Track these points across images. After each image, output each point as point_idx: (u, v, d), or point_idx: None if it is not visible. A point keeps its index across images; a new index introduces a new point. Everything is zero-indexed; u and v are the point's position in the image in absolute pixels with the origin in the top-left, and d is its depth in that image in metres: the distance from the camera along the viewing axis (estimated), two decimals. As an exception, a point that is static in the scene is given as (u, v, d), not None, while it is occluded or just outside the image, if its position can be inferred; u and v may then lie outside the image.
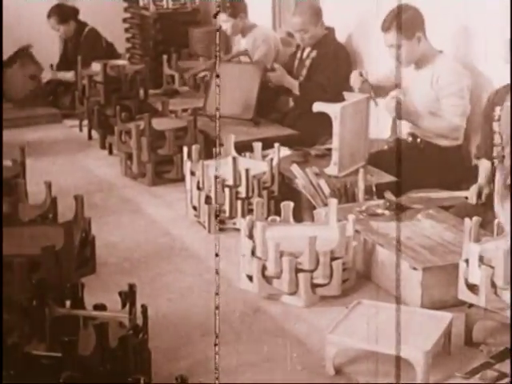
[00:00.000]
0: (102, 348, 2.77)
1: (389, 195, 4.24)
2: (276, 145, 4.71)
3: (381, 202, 4.23)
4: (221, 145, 4.97)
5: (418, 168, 4.54)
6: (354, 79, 4.89)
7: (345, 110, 4.54)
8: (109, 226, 4.62)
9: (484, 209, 4.01)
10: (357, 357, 3.24)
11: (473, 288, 3.29)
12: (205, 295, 3.73)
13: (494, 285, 3.23)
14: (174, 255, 4.29)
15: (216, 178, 4.47)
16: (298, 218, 4.22)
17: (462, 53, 4.81)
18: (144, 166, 5.36)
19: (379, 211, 4.15)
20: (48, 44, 7.33)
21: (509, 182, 3.72)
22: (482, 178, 4.21)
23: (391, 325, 3.18)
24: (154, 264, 4.19)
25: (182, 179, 4.93)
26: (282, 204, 4.09)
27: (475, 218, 3.38)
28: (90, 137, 6.45)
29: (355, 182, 4.40)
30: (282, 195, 4.53)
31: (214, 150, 4.84)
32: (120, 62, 6.65)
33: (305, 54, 5.77)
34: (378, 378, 3.12)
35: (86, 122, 6.48)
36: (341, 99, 4.70)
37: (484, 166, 4.24)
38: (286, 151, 4.94)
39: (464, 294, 3.34)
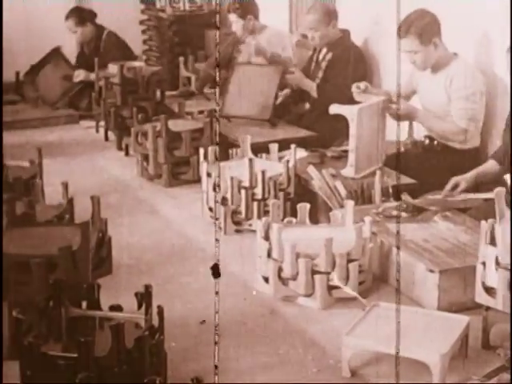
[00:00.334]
0: (118, 349, 2.78)
1: (406, 197, 4.23)
2: (292, 146, 4.71)
3: (397, 203, 4.22)
4: (237, 146, 4.98)
5: (434, 170, 4.53)
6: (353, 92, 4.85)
7: (362, 112, 4.53)
8: (125, 227, 4.63)
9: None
10: (373, 359, 3.24)
11: (490, 291, 3.27)
12: (220, 296, 3.72)
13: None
14: (190, 256, 4.29)
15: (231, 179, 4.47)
16: (314, 219, 4.21)
17: (483, 58, 4.78)
18: (160, 167, 5.37)
19: (395, 213, 4.13)
20: (65, 47, 7.35)
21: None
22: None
23: (408, 327, 3.17)
24: (170, 265, 4.19)
25: (198, 180, 4.94)
26: (299, 205, 4.08)
27: (491, 221, 3.36)
28: (106, 138, 6.47)
29: (372, 183, 4.39)
30: (298, 197, 4.52)
31: (230, 151, 4.84)
32: (137, 63, 6.66)
33: (321, 56, 5.76)
34: (393, 380, 3.10)
35: (102, 124, 6.50)
36: (357, 101, 4.69)
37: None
38: (302, 153, 4.93)
39: (481, 297, 3.32)
